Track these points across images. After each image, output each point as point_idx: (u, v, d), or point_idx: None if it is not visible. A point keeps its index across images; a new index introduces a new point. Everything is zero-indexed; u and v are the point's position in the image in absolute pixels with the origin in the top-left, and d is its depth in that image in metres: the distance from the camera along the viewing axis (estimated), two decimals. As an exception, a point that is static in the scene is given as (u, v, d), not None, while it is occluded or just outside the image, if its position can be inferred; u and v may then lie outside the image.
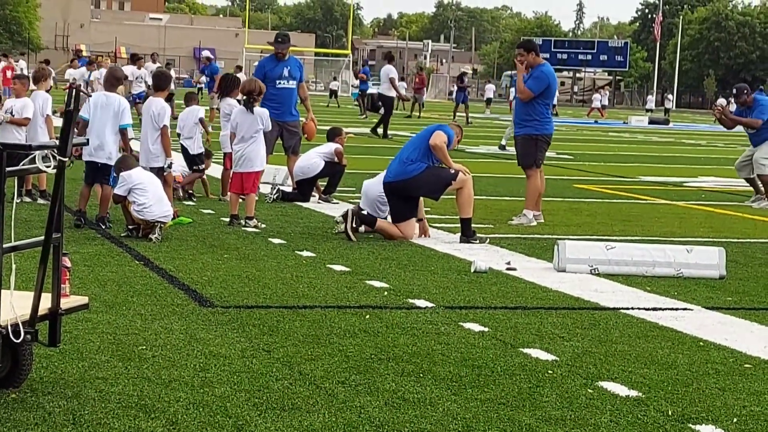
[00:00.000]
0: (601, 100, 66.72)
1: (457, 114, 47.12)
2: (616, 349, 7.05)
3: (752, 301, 9.02)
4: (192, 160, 14.75)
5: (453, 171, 11.83)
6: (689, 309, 8.57)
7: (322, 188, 15.18)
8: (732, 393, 6.09)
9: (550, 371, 6.40)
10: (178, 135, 14.94)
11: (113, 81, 12.34)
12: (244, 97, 12.60)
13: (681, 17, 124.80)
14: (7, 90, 32.08)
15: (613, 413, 5.60)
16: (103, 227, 11.54)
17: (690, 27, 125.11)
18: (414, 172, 11.73)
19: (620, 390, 6.03)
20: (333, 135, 15.48)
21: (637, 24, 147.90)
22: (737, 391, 6.12)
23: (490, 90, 68.89)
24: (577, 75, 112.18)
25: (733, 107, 21.72)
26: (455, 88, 52.04)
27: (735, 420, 5.58)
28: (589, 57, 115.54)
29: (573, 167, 22.97)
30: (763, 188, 16.93)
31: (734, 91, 17.44)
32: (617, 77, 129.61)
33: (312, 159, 15.02)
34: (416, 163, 11.76)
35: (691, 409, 5.75)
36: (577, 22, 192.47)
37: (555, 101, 14.24)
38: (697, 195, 18.52)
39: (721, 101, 74.51)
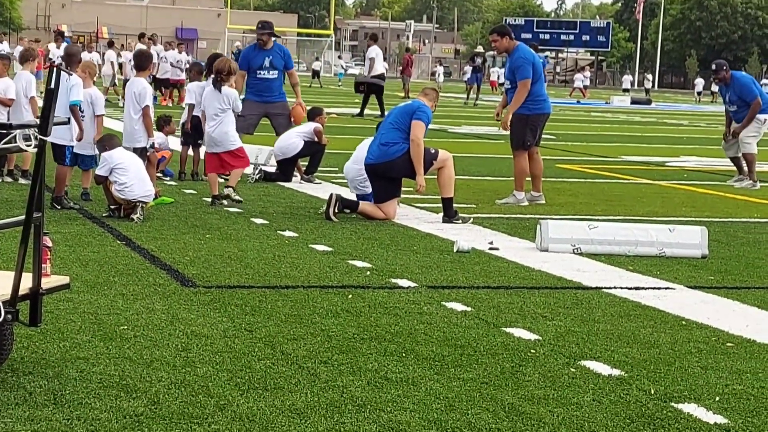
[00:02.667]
0: (583, 81, 66.68)
1: (470, 95, 47.78)
2: (599, 328, 7.05)
3: (734, 280, 9.04)
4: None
5: (434, 151, 11.81)
6: (671, 288, 8.58)
7: (304, 168, 15.16)
8: (714, 372, 6.09)
9: (532, 350, 6.40)
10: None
11: (70, 60, 12.38)
12: (213, 76, 12.56)
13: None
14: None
15: (595, 392, 5.60)
16: (59, 207, 11.42)
17: (672, 7, 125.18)
18: (396, 154, 11.70)
19: (603, 369, 6.03)
20: (313, 115, 15.45)
21: (620, 4, 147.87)
22: (719, 370, 6.13)
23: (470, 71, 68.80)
24: (560, 55, 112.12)
25: (714, 88, 21.58)
26: (468, 68, 52.36)
27: (717, 398, 5.58)
28: (572, 37, 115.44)
29: (555, 147, 22.96)
30: (746, 167, 16.94)
31: (713, 66, 17.39)
32: (599, 57, 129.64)
33: (291, 139, 15.00)
34: (398, 145, 11.73)
35: (674, 387, 5.75)
36: (559, 3, 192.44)
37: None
38: (679, 175, 18.54)
39: (700, 81, 74.65)
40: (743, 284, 8.86)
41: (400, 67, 55.31)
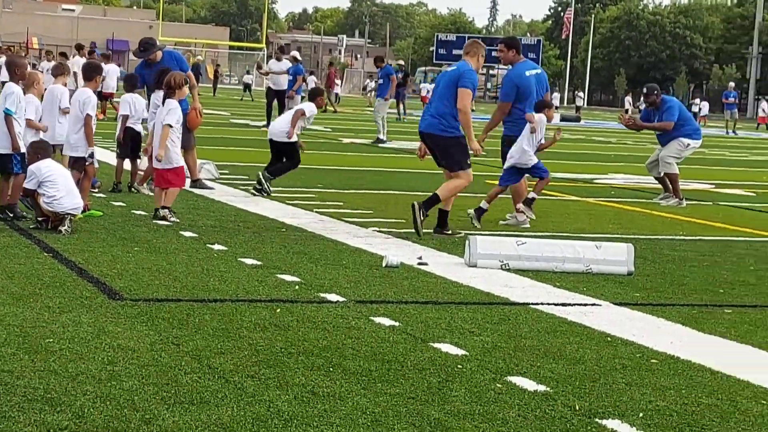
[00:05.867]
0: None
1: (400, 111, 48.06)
2: (525, 344, 7.10)
3: (659, 297, 9.14)
4: None
5: (468, 163, 12.16)
6: (598, 304, 8.66)
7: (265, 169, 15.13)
8: (638, 388, 6.16)
9: (459, 366, 6.43)
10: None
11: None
12: (164, 90, 12.59)
13: (593, 16, 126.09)
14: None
15: (521, 408, 5.64)
16: (6, 217, 11.33)
17: (602, 25, 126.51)
18: (444, 134, 12.10)
19: (528, 385, 6.08)
20: (314, 95, 15.80)
21: (550, 22, 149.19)
22: (643, 386, 6.20)
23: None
24: (491, 72, 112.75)
25: (642, 106, 21.87)
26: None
27: (641, 414, 5.64)
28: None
29: (485, 163, 23.08)
30: (671, 186, 17.16)
31: (644, 90, 17.64)
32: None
33: (283, 127, 15.23)
34: (448, 121, 12.06)
35: (598, 403, 5.81)
36: (490, 20, 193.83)
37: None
38: (606, 192, 18.72)
39: (628, 99, 75.47)
40: (668, 301, 8.97)
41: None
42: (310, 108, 15.32)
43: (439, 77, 12.73)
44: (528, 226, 13.21)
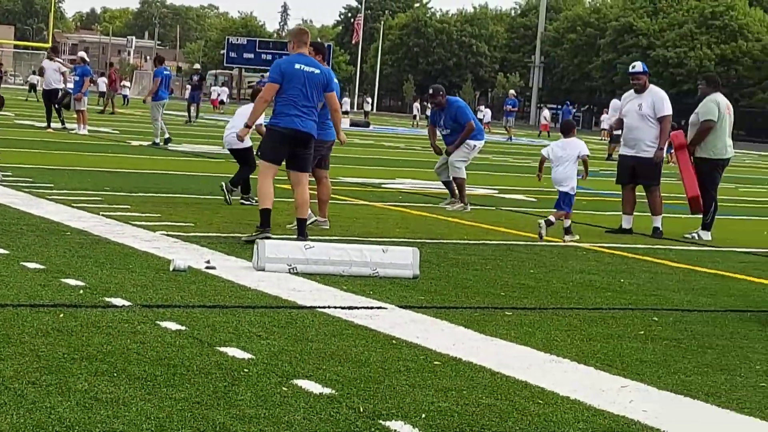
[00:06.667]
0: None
1: (191, 114, 47.65)
2: (312, 347, 7.15)
3: (443, 300, 9.32)
4: None
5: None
6: (383, 308, 8.78)
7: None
8: (421, 389, 6.27)
9: (246, 369, 6.43)
10: None
11: None
12: None
13: (382, 22, 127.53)
14: None
15: (306, 411, 5.68)
16: None
17: (391, 32, 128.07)
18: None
19: (314, 387, 6.12)
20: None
21: (340, 27, 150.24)
22: (426, 388, 6.32)
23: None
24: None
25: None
26: (189, 87, 52.51)
27: (423, 416, 5.75)
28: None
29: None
30: (457, 191, 17.50)
31: (431, 90, 17.91)
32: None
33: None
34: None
35: (382, 405, 5.89)
36: (281, 24, 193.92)
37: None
38: (394, 196, 18.97)
39: (416, 106, 76.59)
40: (452, 304, 9.15)
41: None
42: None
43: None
44: (328, 227, 13.33)
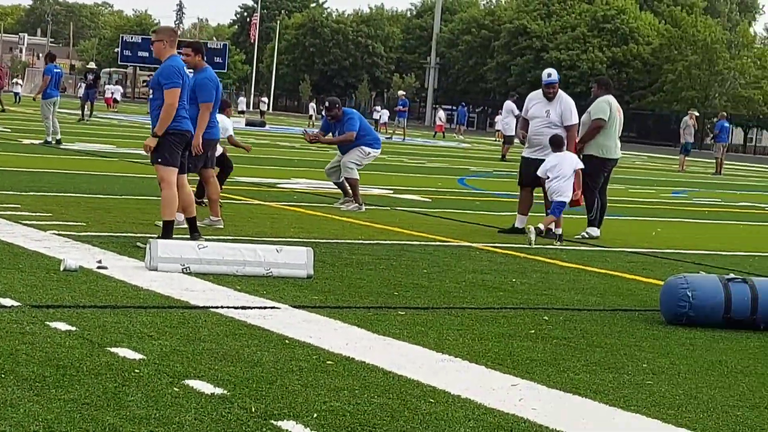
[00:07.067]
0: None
1: (85, 112, 47.09)
2: (204, 347, 7.12)
3: (337, 299, 9.34)
4: None
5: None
6: (277, 308, 8.77)
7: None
8: (314, 389, 6.28)
9: (136, 370, 6.39)
10: None
11: None
12: None
13: (278, 22, 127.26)
14: None
15: (197, 411, 5.66)
16: None
17: (287, 32, 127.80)
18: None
19: (206, 388, 6.10)
20: (223, 107, 15.70)
21: (236, 27, 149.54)
22: (319, 387, 6.33)
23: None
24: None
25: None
26: (83, 85, 51.88)
27: (315, 415, 5.76)
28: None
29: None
30: (351, 191, 17.54)
31: (327, 104, 17.97)
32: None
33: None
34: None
35: (274, 405, 5.89)
36: (177, 23, 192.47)
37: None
38: (289, 196, 18.95)
39: (312, 106, 76.58)
40: (345, 304, 9.17)
41: None
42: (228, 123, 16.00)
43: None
44: (222, 227, 13.28)
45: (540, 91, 16.05)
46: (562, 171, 14.88)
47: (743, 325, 9.25)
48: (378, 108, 71.55)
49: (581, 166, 15.03)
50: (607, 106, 15.85)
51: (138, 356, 6.73)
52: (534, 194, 15.96)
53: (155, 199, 13.94)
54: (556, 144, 15.16)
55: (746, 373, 7.65)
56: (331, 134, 17.99)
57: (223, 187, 14.99)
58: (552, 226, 14.79)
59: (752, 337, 9.02)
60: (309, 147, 38.29)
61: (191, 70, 12.82)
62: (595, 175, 15.78)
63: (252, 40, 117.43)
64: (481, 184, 27.07)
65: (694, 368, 7.66)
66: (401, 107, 59.66)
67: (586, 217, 16.07)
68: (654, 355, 8.02)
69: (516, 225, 15.63)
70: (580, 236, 15.57)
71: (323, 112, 17.71)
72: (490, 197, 22.18)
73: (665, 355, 8.06)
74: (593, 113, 15.81)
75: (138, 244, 11.29)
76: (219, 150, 15.25)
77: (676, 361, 7.85)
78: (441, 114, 74.63)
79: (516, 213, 15.91)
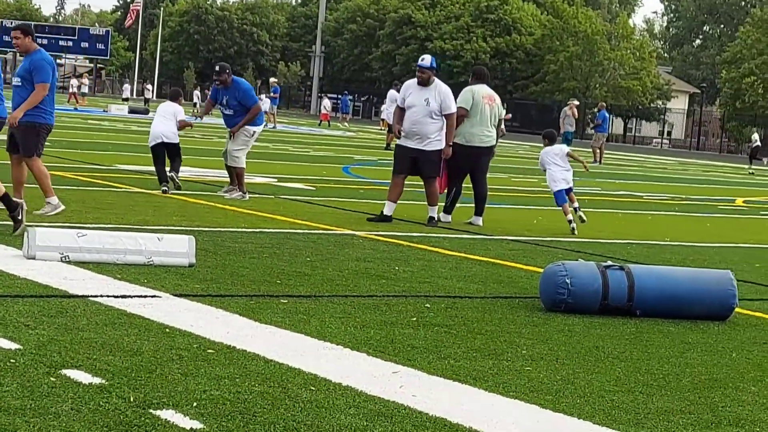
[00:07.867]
0: (80, 87, 65.97)
1: None
2: (83, 336, 7.03)
3: (219, 288, 9.29)
4: None
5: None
6: (158, 296, 8.69)
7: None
8: (194, 378, 6.24)
9: (12, 360, 6.28)
10: None
11: None
12: None
13: (162, 9, 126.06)
14: None
15: (75, 401, 5.58)
16: None
17: (171, 19, 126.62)
18: None
19: (84, 378, 6.02)
20: (175, 96, 18.33)
21: (119, 13, 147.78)
22: (199, 376, 6.29)
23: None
24: (58, 61, 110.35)
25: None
26: None
27: (195, 404, 5.72)
28: (71, 43, 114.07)
29: (49, 154, 22.59)
30: (236, 179, 17.44)
31: (217, 68, 17.63)
32: (99, 65, 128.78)
33: (174, 129, 17.94)
34: None
35: (153, 394, 5.84)
36: (58, 8, 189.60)
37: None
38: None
39: (197, 93, 76.01)
40: (227, 292, 9.12)
41: None
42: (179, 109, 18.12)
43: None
44: (60, 211, 13.14)
45: (415, 80, 15.85)
46: (558, 160, 16.09)
47: (620, 311, 9.42)
48: (262, 96, 71.20)
49: (568, 149, 16.20)
50: (471, 96, 16.07)
51: (14, 346, 6.62)
52: (405, 182, 15.88)
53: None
54: (550, 137, 16.35)
55: (622, 358, 7.79)
56: (224, 109, 17.62)
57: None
58: (571, 211, 16.08)
59: (628, 323, 9.18)
60: (192, 135, 37.99)
61: (22, 55, 13.11)
62: (457, 163, 15.90)
63: (127, 26, 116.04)
64: (365, 173, 27.13)
65: (572, 354, 7.77)
66: (273, 94, 59.73)
67: (469, 205, 16.20)
68: (533, 341, 8.12)
69: (384, 212, 15.52)
70: (430, 220, 15.51)
71: (213, 77, 17.65)
72: (374, 186, 22.23)
73: (544, 341, 8.16)
74: (457, 103, 15.95)
75: None
76: (176, 140, 17.35)
77: (555, 347, 7.96)
78: (326, 102, 74.63)
79: (385, 200, 15.78)
